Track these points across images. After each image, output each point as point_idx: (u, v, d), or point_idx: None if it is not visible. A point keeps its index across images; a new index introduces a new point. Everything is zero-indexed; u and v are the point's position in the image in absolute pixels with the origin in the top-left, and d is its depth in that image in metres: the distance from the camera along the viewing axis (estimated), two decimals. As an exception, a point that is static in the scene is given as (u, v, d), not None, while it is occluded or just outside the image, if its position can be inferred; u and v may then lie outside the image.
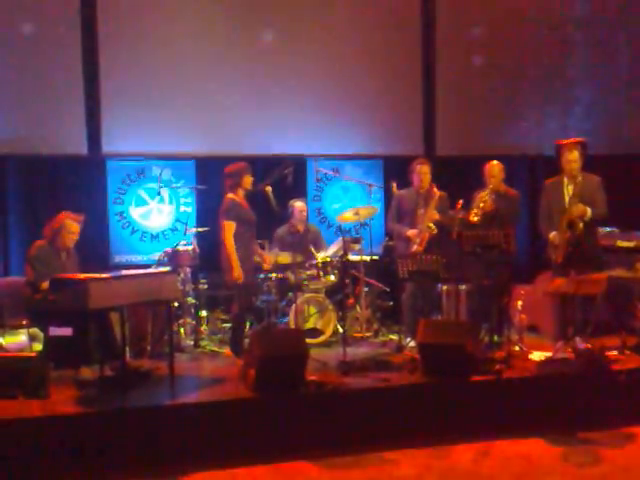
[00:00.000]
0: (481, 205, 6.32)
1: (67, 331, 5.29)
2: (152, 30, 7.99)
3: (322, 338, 6.96)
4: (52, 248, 5.88)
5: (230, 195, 6.18)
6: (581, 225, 6.06)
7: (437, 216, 6.56)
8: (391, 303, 7.61)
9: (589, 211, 6.08)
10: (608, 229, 7.20)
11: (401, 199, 6.78)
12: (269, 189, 6.27)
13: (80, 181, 7.81)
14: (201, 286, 7.19)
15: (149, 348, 6.42)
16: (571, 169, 6.22)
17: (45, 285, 5.49)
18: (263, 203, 6.35)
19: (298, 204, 7.60)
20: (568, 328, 6.16)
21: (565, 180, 6.28)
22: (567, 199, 6.20)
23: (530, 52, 9.03)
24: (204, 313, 7.23)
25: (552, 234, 6.23)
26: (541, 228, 6.42)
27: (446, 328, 5.72)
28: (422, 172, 6.66)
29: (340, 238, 7.28)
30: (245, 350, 5.88)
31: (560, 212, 6.19)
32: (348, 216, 7.33)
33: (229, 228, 6.06)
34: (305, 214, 7.66)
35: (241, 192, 6.21)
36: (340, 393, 5.23)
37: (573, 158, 6.23)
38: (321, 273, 7.20)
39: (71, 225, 5.92)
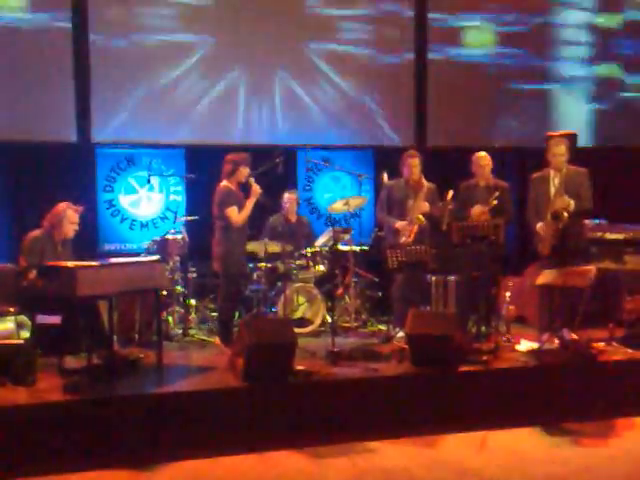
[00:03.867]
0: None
1: (55, 319, 5.27)
2: (142, 17, 7.93)
3: (311, 328, 6.97)
4: (49, 239, 5.77)
5: (224, 183, 6.20)
6: (565, 215, 6.06)
7: (427, 208, 6.56)
8: (380, 293, 7.61)
9: (572, 203, 6.08)
10: (596, 221, 7.21)
11: (391, 190, 6.76)
12: (252, 180, 6.25)
13: (69, 169, 7.75)
14: (190, 275, 7.17)
15: (137, 336, 6.40)
16: (557, 162, 6.23)
17: (31, 275, 5.46)
18: (248, 194, 6.32)
19: (286, 195, 7.61)
20: (555, 320, 6.19)
21: (551, 173, 6.29)
22: (553, 192, 6.21)
23: (521, 45, 9.05)
24: (193, 302, 7.21)
25: (539, 225, 6.26)
26: (529, 220, 6.43)
27: (434, 319, 5.74)
28: (412, 164, 6.64)
29: (330, 228, 7.28)
30: (234, 339, 5.89)
31: (546, 205, 6.21)
32: (338, 206, 7.32)
33: (233, 213, 6.10)
34: (294, 204, 7.66)
35: (234, 181, 6.22)
36: (328, 383, 5.25)
37: (559, 152, 6.24)
38: (310, 263, 7.21)
39: (72, 215, 5.85)
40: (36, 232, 5.80)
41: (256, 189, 6.20)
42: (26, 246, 5.72)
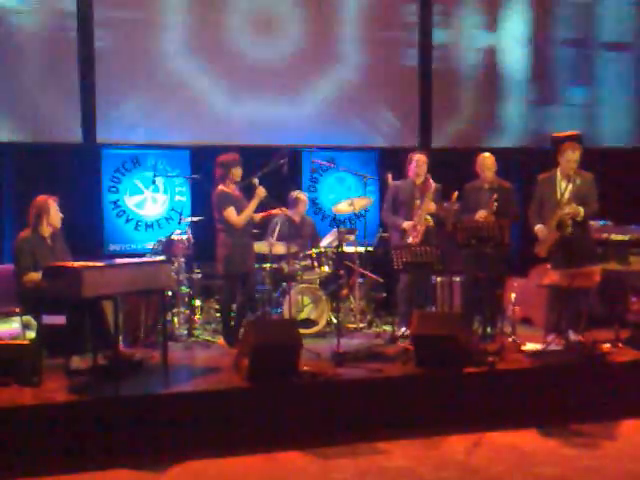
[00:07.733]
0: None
1: (60, 319, 5.27)
2: (148, 19, 7.95)
3: (316, 329, 6.96)
4: (37, 235, 5.70)
5: (220, 187, 6.20)
6: (570, 224, 6.03)
7: (434, 208, 6.55)
8: (385, 294, 7.61)
9: (582, 211, 6.06)
10: (602, 222, 7.20)
11: (397, 190, 6.76)
12: (256, 181, 6.26)
13: (75, 169, 7.76)
14: (195, 275, 7.18)
15: (142, 337, 6.42)
16: (570, 168, 6.14)
17: (27, 278, 5.48)
18: (252, 195, 6.33)
19: (303, 196, 7.60)
20: (561, 321, 6.17)
21: (559, 175, 6.25)
22: (559, 194, 6.16)
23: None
24: (198, 302, 7.22)
25: (538, 226, 6.22)
26: (530, 220, 6.38)
27: (440, 320, 5.74)
28: (419, 164, 6.64)
29: (335, 229, 7.26)
30: (239, 340, 5.89)
31: (551, 206, 6.17)
32: (343, 207, 7.32)
33: (231, 214, 6.12)
34: (305, 206, 7.68)
35: (230, 183, 6.22)
36: (333, 384, 5.24)
37: (574, 158, 6.15)
38: (315, 264, 7.19)
39: (53, 205, 5.79)
40: (23, 233, 5.73)
41: (260, 191, 6.20)
42: (17, 248, 5.66)
